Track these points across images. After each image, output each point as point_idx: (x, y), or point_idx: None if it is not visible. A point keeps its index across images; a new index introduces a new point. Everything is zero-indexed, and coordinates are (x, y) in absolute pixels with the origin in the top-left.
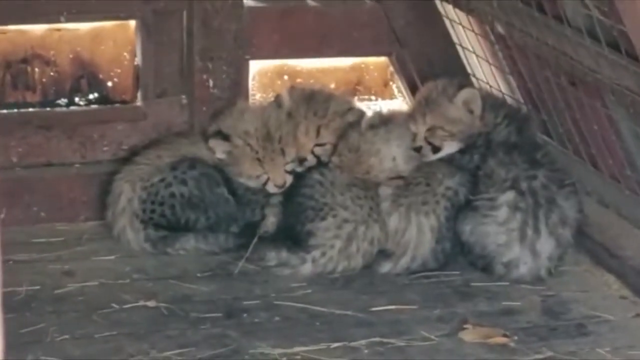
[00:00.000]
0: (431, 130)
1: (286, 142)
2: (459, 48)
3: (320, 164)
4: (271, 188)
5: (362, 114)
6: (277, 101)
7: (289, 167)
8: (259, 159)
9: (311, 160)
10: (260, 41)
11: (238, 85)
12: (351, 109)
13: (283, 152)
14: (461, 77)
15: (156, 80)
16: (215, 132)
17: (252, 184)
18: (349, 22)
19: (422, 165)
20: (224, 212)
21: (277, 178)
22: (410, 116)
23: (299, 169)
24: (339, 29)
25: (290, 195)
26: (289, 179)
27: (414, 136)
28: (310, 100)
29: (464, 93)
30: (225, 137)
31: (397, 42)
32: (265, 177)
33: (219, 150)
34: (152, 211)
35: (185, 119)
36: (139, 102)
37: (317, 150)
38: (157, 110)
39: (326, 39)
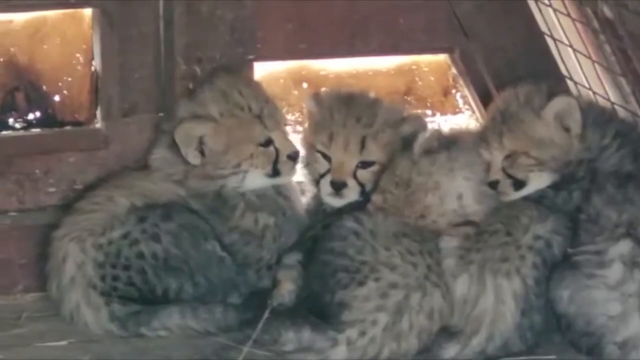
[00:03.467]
0: (511, 157)
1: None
2: (549, 40)
3: (358, 203)
4: (287, 169)
5: (421, 126)
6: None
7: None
8: (258, 117)
9: (352, 188)
10: (269, 34)
11: None
12: (406, 118)
13: (279, 110)
14: (552, 81)
15: (122, 92)
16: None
17: (254, 171)
18: (394, 6)
19: (501, 207)
20: (218, 276)
21: (284, 140)
22: (482, 138)
23: (334, 200)
24: (379, 16)
25: (313, 251)
26: (300, 154)
27: (488, 166)
28: (351, 103)
29: (557, 103)
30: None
31: (461, 33)
32: (271, 145)
33: (192, 143)
34: (115, 278)
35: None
36: (98, 124)
37: (362, 174)
38: (124, 133)
39: (361, 30)
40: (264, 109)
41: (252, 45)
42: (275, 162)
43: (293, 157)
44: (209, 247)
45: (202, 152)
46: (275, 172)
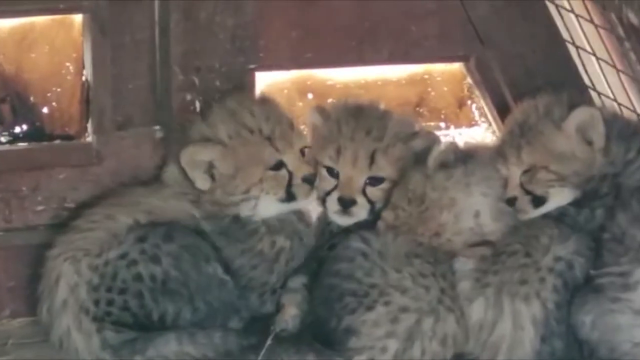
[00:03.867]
0: (530, 172)
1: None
2: (570, 47)
3: (367, 222)
4: (303, 192)
5: (433, 141)
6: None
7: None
8: (268, 138)
9: (361, 205)
10: (272, 42)
11: None
12: (417, 133)
13: (294, 128)
14: (574, 92)
15: (115, 104)
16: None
17: (266, 197)
18: (405, 12)
19: (519, 226)
20: (219, 300)
21: (298, 162)
22: (499, 152)
23: (341, 218)
24: (389, 23)
25: (319, 274)
26: (316, 175)
27: (506, 182)
28: (360, 115)
29: (579, 115)
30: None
31: (477, 40)
32: (283, 168)
33: (199, 167)
34: (110, 302)
35: (160, 161)
36: (89, 138)
37: (371, 191)
38: (118, 148)
39: (370, 37)
40: (275, 130)
41: (254, 54)
42: (289, 185)
43: (309, 179)
44: (210, 270)
45: (212, 176)
46: (290, 197)
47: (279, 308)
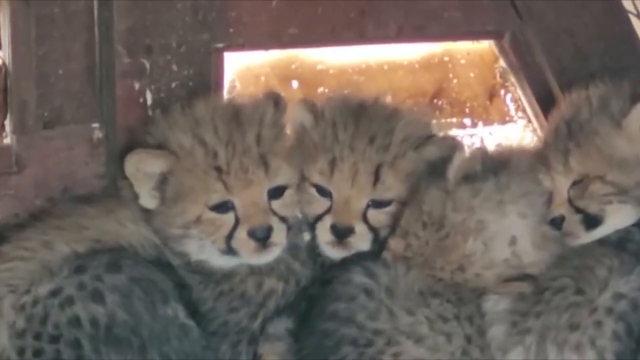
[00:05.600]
0: (582, 183)
1: (272, 149)
2: (634, 20)
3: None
4: (246, 250)
5: (453, 146)
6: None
7: (277, 205)
8: (218, 169)
9: (361, 235)
10: (246, 14)
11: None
12: (434, 136)
13: (265, 164)
14: (639, 78)
15: (42, 95)
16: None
17: (207, 242)
18: None
19: (568, 254)
20: (179, 351)
21: (251, 210)
22: (541, 157)
23: (334, 251)
24: None
25: (308, 317)
26: (281, 230)
27: (550, 197)
28: (362, 116)
29: None
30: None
31: (513, 12)
32: (231, 212)
33: (147, 180)
34: (38, 353)
35: (100, 168)
36: (8, 139)
37: (374, 215)
38: (45, 152)
39: (374, 8)
40: (232, 162)
41: (223, 30)
42: (230, 236)
43: (256, 235)
44: (169, 312)
45: (164, 193)
46: (231, 251)
47: (255, 359)
